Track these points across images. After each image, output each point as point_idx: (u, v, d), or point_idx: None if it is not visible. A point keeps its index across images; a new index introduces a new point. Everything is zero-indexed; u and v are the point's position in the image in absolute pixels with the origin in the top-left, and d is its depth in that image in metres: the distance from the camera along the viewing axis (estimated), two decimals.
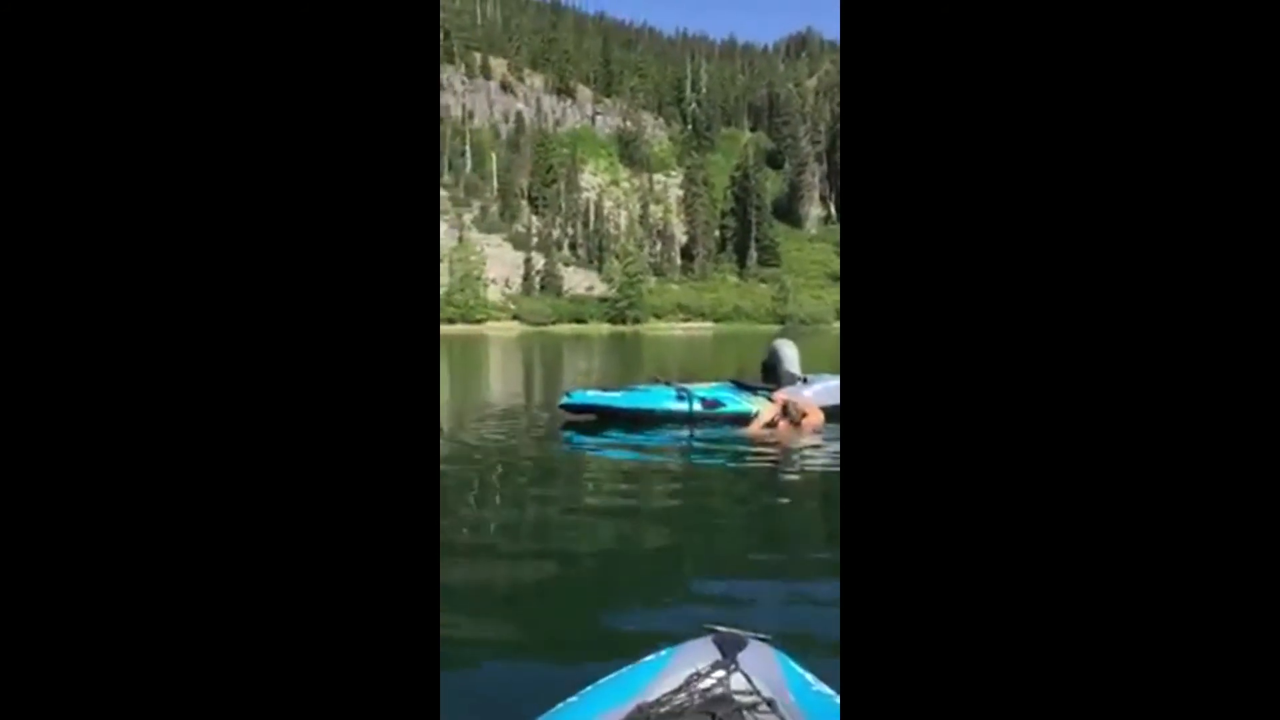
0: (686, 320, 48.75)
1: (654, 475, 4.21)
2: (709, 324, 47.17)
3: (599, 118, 70.72)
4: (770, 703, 1.12)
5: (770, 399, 5.51)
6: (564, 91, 70.75)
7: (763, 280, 53.75)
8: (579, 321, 46.95)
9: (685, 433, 5.21)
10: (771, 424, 5.30)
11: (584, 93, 71.81)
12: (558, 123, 68.19)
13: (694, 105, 73.44)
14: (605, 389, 5.80)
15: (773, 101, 72.66)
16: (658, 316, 48.81)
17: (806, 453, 4.75)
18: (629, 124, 68.73)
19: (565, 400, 5.55)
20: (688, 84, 75.48)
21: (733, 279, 55.70)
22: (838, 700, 1.13)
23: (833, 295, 50.95)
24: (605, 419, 5.41)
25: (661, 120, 73.01)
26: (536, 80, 70.70)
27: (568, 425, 5.41)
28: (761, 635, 1.27)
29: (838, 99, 64.95)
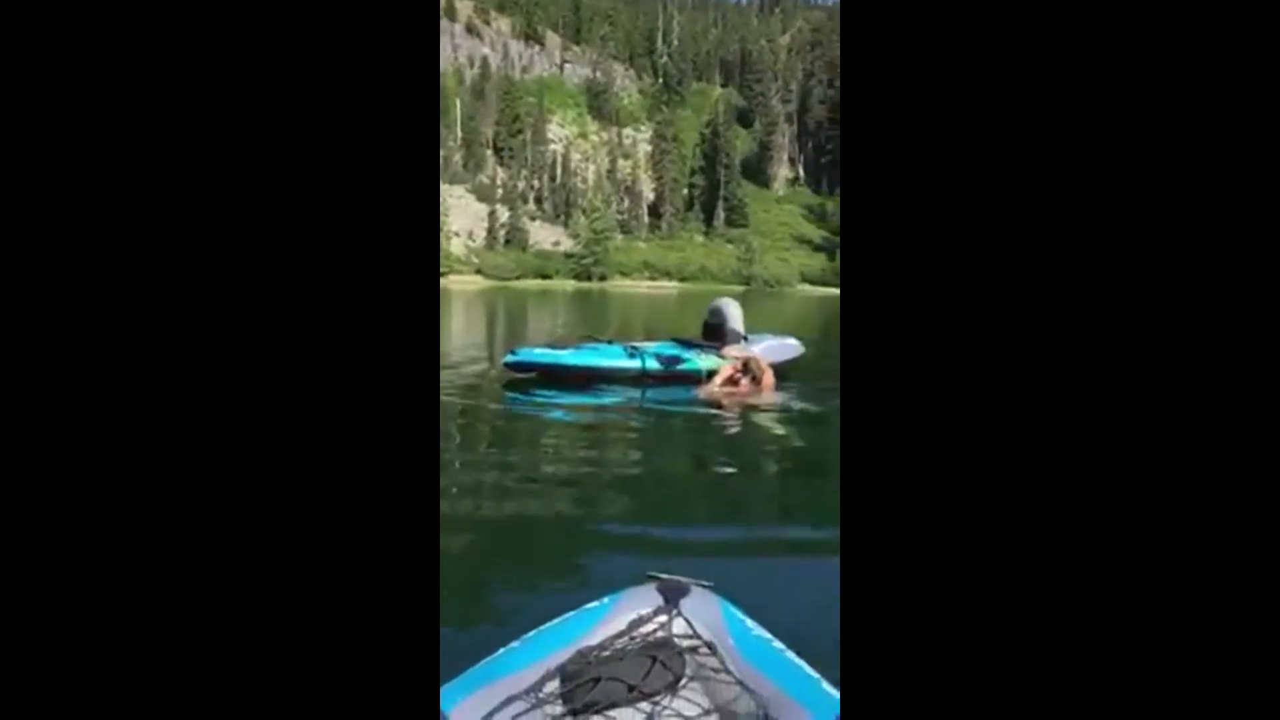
0: (652, 279, 48.52)
1: (611, 440, 3.98)
2: (674, 283, 47.05)
3: (568, 66, 68.62)
4: (710, 645, 1.15)
5: (721, 356, 5.52)
6: (532, 37, 68.29)
7: (729, 241, 53.57)
8: (544, 277, 46.31)
9: (637, 393, 5.05)
10: (733, 381, 5.34)
11: (553, 40, 69.41)
12: (525, 70, 65.95)
13: (665, 58, 71.73)
14: (552, 346, 5.56)
15: (745, 58, 71.36)
16: (624, 274, 48.44)
17: (777, 413, 4.70)
18: (599, 75, 66.87)
19: (510, 358, 5.30)
20: (659, 35, 73.56)
21: (699, 238, 55.40)
22: (776, 643, 1.16)
23: (798, 258, 51.22)
24: (551, 378, 5.21)
25: (632, 72, 71.24)
26: (503, 24, 68.02)
27: (511, 384, 5.18)
28: (703, 582, 1.32)
29: (810, 57, 64.37)
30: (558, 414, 4.63)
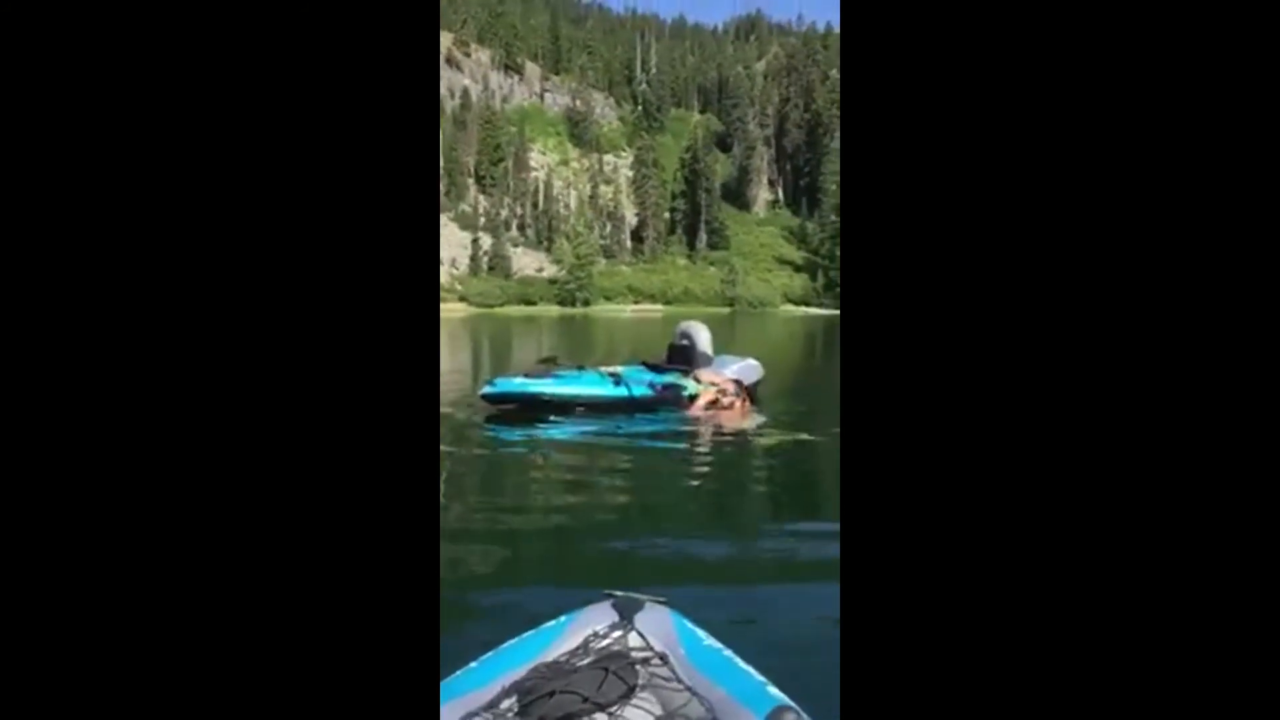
0: (637, 302, 48.74)
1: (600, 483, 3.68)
2: (659, 306, 47.28)
3: (548, 95, 69.51)
4: (662, 656, 1.19)
5: (698, 379, 5.50)
6: (511, 68, 69.19)
7: (711, 263, 54.08)
8: (528, 303, 46.39)
9: (620, 423, 4.86)
10: (727, 405, 5.34)
11: (532, 70, 70.37)
12: (505, 100, 66.69)
13: (644, 85, 72.90)
14: (530, 375, 5.35)
15: (722, 84, 72.70)
16: (608, 298, 48.64)
17: (765, 436, 4.68)
18: (578, 103, 67.76)
19: (488, 389, 5.11)
20: (637, 64, 74.82)
21: (682, 261, 55.87)
22: (726, 652, 1.20)
23: (780, 279, 51.81)
24: (530, 409, 5.04)
25: (611, 100, 72.26)
26: (483, 55, 68.89)
27: (491, 419, 4.96)
28: (658, 598, 1.35)
29: (786, 82, 65.61)
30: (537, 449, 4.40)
